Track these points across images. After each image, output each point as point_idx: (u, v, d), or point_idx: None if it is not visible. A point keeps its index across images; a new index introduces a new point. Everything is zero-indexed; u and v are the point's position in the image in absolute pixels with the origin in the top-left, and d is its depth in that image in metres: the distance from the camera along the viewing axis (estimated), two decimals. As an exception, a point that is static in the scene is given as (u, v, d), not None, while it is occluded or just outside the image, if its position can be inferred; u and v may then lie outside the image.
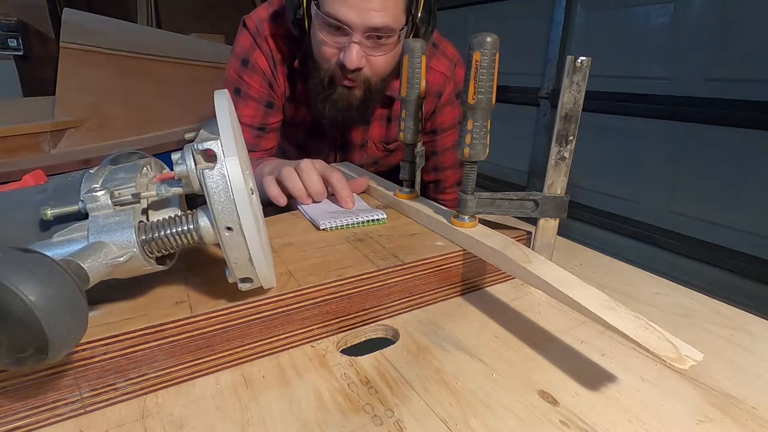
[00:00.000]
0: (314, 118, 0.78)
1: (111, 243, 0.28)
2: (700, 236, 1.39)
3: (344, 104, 0.70)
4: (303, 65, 0.73)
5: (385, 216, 0.50)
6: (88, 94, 1.59)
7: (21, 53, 2.61)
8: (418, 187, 0.55)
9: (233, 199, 0.27)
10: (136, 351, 0.29)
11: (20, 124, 1.46)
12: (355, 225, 0.48)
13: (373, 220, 0.49)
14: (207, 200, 0.28)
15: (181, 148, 0.29)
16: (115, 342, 0.29)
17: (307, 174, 0.55)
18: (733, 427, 0.28)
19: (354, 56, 0.62)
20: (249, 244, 0.28)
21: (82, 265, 0.25)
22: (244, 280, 0.30)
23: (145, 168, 0.33)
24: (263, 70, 0.75)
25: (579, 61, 0.37)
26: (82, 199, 0.29)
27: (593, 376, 0.33)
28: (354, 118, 0.73)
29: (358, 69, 0.64)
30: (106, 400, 0.30)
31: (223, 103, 0.29)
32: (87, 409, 0.29)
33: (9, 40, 2.55)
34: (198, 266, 0.38)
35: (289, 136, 0.87)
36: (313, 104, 0.73)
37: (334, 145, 0.86)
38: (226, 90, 0.31)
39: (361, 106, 0.71)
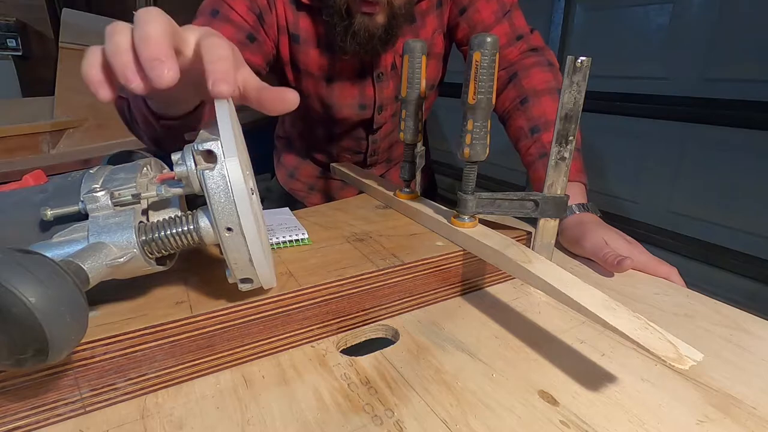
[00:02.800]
0: (338, 64, 0.67)
1: (111, 244, 0.28)
2: (700, 236, 1.39)
3: (365, 35, 0.59)
4: None
5: (307, 236, 0.44)
6: (87, 94, 1.55)
7: (20, 53, 2.60)
8: (418, 187, 0.55)
9: (233, 199, 0.27)
10: (136, 351, 0.29)
11: (19, 124, 1.46)
12: (272, 246, 0.42)
13: (293, 241, 0.43)
14: (207, 201, 0.28)
15: (181, 149, 0.29)
16: (115, 342, 0.29)
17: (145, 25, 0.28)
18: (733, 427, 0.28)
19: None
20: (249, 244, 0.28)
21: (82, 266, 0.25)
22: (244, 280, 0.30)
23: (145, 168, 0.33)
24: None
25: (579, 61, 0.37)
26: (82, 199, 0.29)
27: (593, 376, 0.33)
28: (378, 49, 0.62)
29: None
30: (106, 400, 0.30)
31: (223, 103, 0.29)
32: (87, 409, 0.29)
33: (8, 40, 2.54)
34: (198, 266, 0.38)
35: (313, 89, 0.72)
36: (333, 42, 0.62)
37: (363, 86, 0.72)
38: None
39: (384, 35, 0.60)
